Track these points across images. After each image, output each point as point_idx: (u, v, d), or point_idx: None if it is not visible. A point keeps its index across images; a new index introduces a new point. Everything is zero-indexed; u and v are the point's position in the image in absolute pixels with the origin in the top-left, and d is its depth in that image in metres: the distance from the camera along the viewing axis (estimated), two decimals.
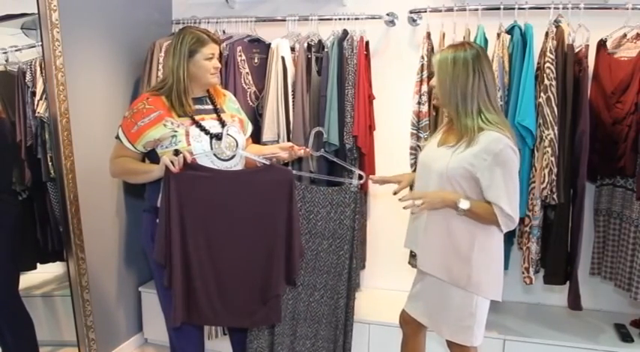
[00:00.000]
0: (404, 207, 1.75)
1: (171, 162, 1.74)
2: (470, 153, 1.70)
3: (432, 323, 1.88)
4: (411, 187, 2.42)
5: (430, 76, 2.45)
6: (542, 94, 2.20)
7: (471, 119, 1.70)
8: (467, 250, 1.74)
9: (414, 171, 2.40)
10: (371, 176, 2.11)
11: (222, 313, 1.86)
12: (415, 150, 2.46)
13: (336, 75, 2.50)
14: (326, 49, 2.54)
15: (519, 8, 2.32)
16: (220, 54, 2.01)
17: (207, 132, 1.88)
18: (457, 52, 1.72)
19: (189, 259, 1.80)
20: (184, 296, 1.81)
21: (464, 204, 1.68)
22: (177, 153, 1.79)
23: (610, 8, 2.31)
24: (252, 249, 1.86)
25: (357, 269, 2.42)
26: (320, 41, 2.61)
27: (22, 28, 2.27)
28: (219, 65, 1.95)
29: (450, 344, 1.88)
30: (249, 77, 2.64)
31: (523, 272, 2.33)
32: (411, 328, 2.01)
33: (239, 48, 2.59)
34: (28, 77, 2.27)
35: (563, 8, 2.28)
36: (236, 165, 1.94)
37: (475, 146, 1.69)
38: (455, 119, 1.76)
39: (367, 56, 2.61)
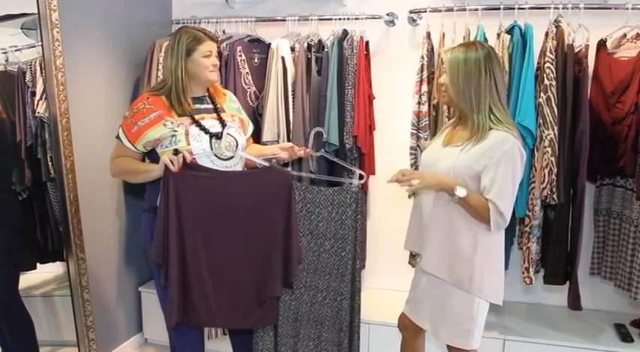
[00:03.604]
0: (400, 184, 1.74)
1: (171, 161, 1.75)
2: (478, 152, 1.70)
3: (432, 328, 1.87)
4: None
5: (430, 76, 2.45)
6: (542, 94, 2.20)
7: (483, 116, 1.71)
8: (469, 251, 1.74)
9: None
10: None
11: (218, 314, 1.86)
12: (415, 150, 2.46)
13: (336, 75, 2.50)
14: (326, 49, 2.54)
15: (519, 8, 2.32)
16: (220, 54, 2.01)
17: (206, 131, 1.88)
18: (469, 52, 1.72)
19: (186, 259, 1.80)
20: (181, 295, 1.81)
21: (460, 192, 1.67)
22: (176, 152, 1.79)
23: (610, 8, 2.31)
24: (249, 251, 1.85)
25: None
26: (320, 41, 2.61)
27: (22, 28, 2.27)
28: (217, 62, 1.95)
29: (449, 347, 1.87)
30: (249, 77, 2.64)
31: (523, 272, 2.33)
32: (411, 332, 2.00)
33: (239, 48, 2.59)
34: (28, 77, 2.27)
35: (563, 8, 2.28)
36: (236, 164, 1.94)
37: (483, 144, 1.69)
38: (469, 116, 1.74)
39: (367, 56, 2.60)
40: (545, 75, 2.19)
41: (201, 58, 1.89)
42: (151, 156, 1.91)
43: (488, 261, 1.77)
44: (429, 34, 2.45)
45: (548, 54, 2.20)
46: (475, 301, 1.76)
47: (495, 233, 1.76)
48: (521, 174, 1.73)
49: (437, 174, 1.74)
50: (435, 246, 1.80)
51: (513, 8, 2.33)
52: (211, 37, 1.93)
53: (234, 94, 2.30)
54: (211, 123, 1.92)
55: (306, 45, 2.58)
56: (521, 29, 2.28)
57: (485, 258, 1.76)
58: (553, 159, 2.19)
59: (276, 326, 1.99)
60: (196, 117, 1.89)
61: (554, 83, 2.18)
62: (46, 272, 2.48)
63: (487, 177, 1.69)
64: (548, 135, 2.18)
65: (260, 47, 2.69)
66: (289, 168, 2.34)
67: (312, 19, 2.64)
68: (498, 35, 2.30)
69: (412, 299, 1.96)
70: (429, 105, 2.44)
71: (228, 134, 1.91)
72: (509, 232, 2.39)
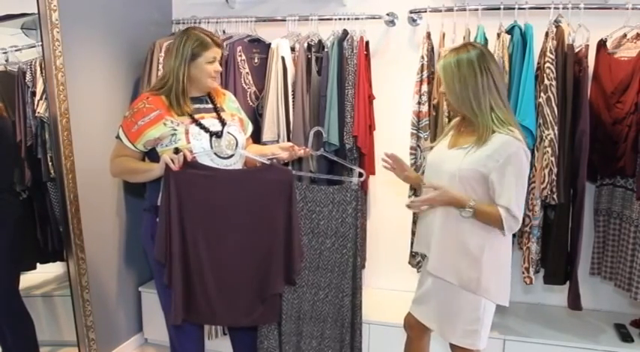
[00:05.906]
0: (410, 208, 1.73)
1: (172, 160, 1.75)
2: (483, 155, 1.69)
3: (439, 328, 1.86)
4: (415, 191, 2.42)
5: (430, 76, 2.45)
6: (542, 94, 2.20)
7: (486, 117, 1.70)
8: (477, 253, 1.73)
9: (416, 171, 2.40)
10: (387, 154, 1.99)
11: (220, 311, 1.86)
12: (415, 150, 2.46)
13: (336, 75, 2.50)
14: (326, 49, 2.54)
15: (519, 8, 2.33)
16: (221, 56, 2.02)
17: (206, 130, 1.88)
18: (460, 55, 1.71)
19: (189, 257, 1.80)
20: (184, 294, 1.81)
21: (472, 204, 1.68)
22: (177, 151, 1.80)
23: (610, 8, 2.31)
24: (251, 248, 1.86)
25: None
26: (320, 41, 2.61)
27: (22, 28, 2.27)
28: (220, 69, 1.96)
29: (453, 347, 1.86)
30: (249, 77, 2.64)
31: (523, 272, 2.33)
32: (416, 331, 2.00)
33: (239, 48, 2.59)
34: (28, 77, 2.27)
35: (563, 8, 2.28)
36: (235, 163, 1.95)
37: (487, 148, 1.68)
38: (473, 119, 1.73)
39: (367, 56, 2.61)
40: (545, 75, 2.19)
41: (204, 64, 1.89)
42: (151, 155, 1.91)
43: (496, 262, 1.77)
44: (429, 34, 2.45)
45: (548, 54, 2.20)
46: (482, 302, 1.76)
47: (503, 235, 1.76)
48: (527, 174, 1.73)
49: (450, 191, 1.71)
50: (442, 248, 1.79)
51: (513, 8, 2.33)
52: (217, 44, 1.92)
53: (234, 94, 2.30)
54: (211, 122, 1.92)
55: (306, 45, 2.58)
56: (521, 29, 2.29)
57: (493, 260, 1.75)
58: (553, 159, 2.19)
59: (280, 324, 2.00)
60: (196, 116, 1.90)
61: (554, 83, 2.18)
62: (46, 272, 2.48)
63: (495, 182, 1.68)
64: (548, 135, 2.18)
65: (260, 47, 2.69)
66: (289, 168, 2.34)
67: (312, 19, 2.64)
68: (498, 35, 2.30)
69: (418, 298, 1.95)
70: (429, 105, 2.44)
71: (228, 133, 1.91)
72: None
